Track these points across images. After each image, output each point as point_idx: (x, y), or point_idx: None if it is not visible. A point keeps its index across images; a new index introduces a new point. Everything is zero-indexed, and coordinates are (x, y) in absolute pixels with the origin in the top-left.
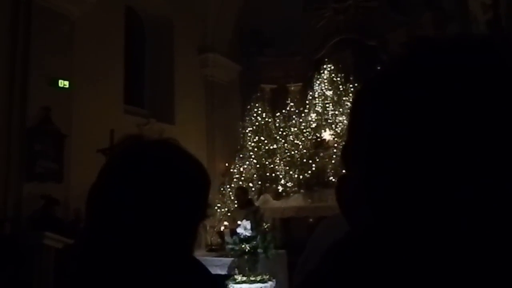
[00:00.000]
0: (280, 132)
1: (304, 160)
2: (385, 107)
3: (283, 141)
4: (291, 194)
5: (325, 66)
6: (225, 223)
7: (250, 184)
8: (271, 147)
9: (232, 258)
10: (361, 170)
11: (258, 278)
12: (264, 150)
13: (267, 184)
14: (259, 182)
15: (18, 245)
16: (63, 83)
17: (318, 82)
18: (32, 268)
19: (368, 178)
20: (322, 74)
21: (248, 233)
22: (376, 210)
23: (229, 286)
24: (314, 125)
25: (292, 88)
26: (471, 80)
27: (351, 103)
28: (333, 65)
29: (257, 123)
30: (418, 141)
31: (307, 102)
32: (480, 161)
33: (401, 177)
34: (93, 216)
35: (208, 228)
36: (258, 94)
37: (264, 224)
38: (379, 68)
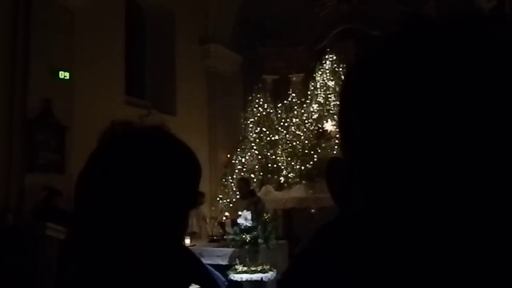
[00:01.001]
0: (282, 123)
1: (306, 151)
2: (377, 90)
3: (284, 132)
4: (293, 185)
5: (327, 57)
6: (226, 213)
7: (252, 175)
8: (273, 138)
9: (233, 249)
10: (353, 154)
11: (259, 268)
12: (266, 141)
13: (269, 175)
14: (261, 173)
15: (21, 236)
16: (64, 75)
17: (320, 72)
18: (35, 259)
19: (360, 162)
20: (324, 65)
21: (248, 224)
22: (368, 194)
23: (230, 276)
24: (316, 116)
25: (294, 78)
26: (464, 60)
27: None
28: (335, 56)
29: (258, 114)
30: (411, 126)
31: (309, 92)
32: (477, 147)
33: (395, 162)
34: (80, 204)
35: (209, 218)
36: (260, 85)
37: (265, 215)
38: (368, 48)
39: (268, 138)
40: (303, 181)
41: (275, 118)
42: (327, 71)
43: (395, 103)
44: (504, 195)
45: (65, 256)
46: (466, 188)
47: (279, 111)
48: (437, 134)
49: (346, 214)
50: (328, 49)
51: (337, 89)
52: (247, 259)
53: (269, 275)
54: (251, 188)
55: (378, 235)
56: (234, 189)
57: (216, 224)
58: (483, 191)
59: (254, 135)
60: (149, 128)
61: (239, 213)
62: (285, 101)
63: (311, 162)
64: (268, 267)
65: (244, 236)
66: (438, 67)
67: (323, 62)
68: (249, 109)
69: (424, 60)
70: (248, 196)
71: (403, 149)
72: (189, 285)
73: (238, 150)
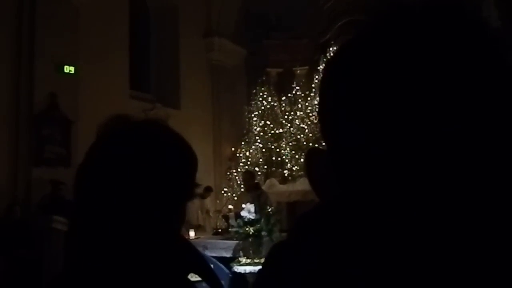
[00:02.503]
0: (286, 116)
1: (310, 144)
2: (348, 82)
3: (289, 125)
4: (297, 178)
5: (331, 49)
6: (230, 206)
7: (256, 169)
8: (277, 131)
9: (237, 241)
10: (329, 145)
11: (262, 260)
12: (270, 134)
13: (273, 168)
14: (265, 167)
15: (28, 229)
16: (69, 69)
17: (324, 65)
18: (42, 251)
19: (335, 153)
20: (329, 57)
21: (252, 216)
22: (343, 183)
23: (234, 268)
24: None
25: (298, 71)
26: (436, 53)
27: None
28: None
29: (263, 107)
30: (382, 117)
31: (313, 85)
32: (445, 139)
33: (367, 153)
34: (79, 196)
35: (213, 212)
36: (264, 78)
37: (268, 208)
38: (347, 40)
39: (273, 131)
40: None
41: (279, 111)
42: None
43: (365, 95)
44: (470, 182)
45: (66, 248)
46: (432, 179)
47: (283, 104)
48: (407, 126)
49: (325, 203)
50: (332, 42)
51: None
52: (251, 251)
53: None
54: (256, 181)
55: (353, 222)
56: (239, 182)
57: (220, 217)
58: (445, 178)
59: (259, 129)
60: (146, 121)
61: (243, 206)
62: (289, 94)
63: None
64: None
65: (247, 229)
66: (408, 61)
67: (328, 54)
68: (253, 103)
69: (395, 52)
70: (253, 189)
71: (375, 140)
72: (187, 274)
73: (243, 143)
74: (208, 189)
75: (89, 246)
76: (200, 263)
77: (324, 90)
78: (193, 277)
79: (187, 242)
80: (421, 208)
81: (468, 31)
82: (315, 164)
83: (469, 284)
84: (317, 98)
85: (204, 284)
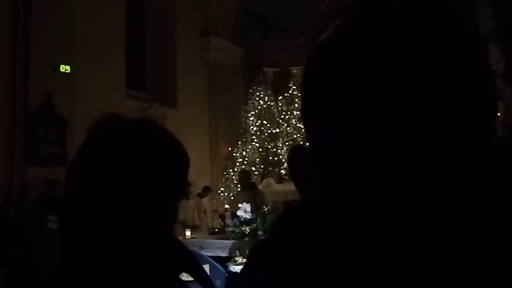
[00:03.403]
0: (282, 116)
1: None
2: (332, 79)
3: (285, 124)
4: None
5: None
6: (226, 206)
7: (253, 168)
8: (274, 131)
9: (233, 241)
10: (311, 142)
11: None
12: (266, 134)
13: (270, 168)
14: (262, 166)
15: (23, 228)
16: (65, 68)
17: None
18: (37, 251)
19: (315, 151)
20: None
21: (248, 216)
22: (323, 181)
23: (230, 267)
24: None
25: (295, 71)
26: (415, 44)
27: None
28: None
29: (259, 107)
30: (363, 115)
31: None
32: (427, 138)
33: (347, 150)
34: (69, 195)
35: (210, 211)
36: (261, 78)
37: (265, 207)
38: (327, 36)
39: (269, 131)
40: None
41: (276, 111)
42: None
43: (344, 91)
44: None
45: (59, 246)
46: (409, 177)
47: (280, 104)
48: (386, 122)
49: (306, 200)
50: None
51: None
52: (247, 251)
53: None
54: (252, 180)
55: (332, 220)
56: (235, 181)
57: (216, 216)
58: (425, 176)
59: (255, 128)
60: (137, 120)
61: (239, 205)
62: (286, 94)
63: None
64: None
65: (243, 228)
66: (385, 58)
67: None
68: (250, 102)
69: (372, 49)
70: (249, 189)
71: (355, 137)
72: (178, 273)
73: (239, 143)
74: (207, 189)
75: (79, 245)
76: (192, 263)
77: (304, 88)
78: (186, 277)
79: (179, 241)
80: (399, 205)
81: (446, 28)
82: (297, 161)
83: (449, 279)
84: None
85: (197, 284)
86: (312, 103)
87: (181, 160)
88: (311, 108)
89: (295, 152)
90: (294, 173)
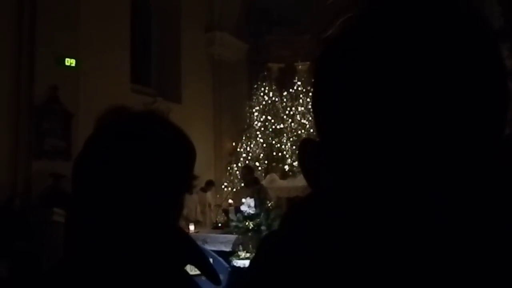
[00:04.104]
0: (287, 112)
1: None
2: (340, 74)
3: (290, 120)
4: (298, 174)
5: None
6: (230, 201)
7: (257, 164)
8: (278, 127)
9: (237, 235)
10: (321, 136)
11: None
12: (271, 129)
13: (274, 164)
14: (266, 162)
15: (28, 221)
16: (70, 62)
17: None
18: (42, 243)
19: (327, 143)
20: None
21: (251, 211)
22: (335, 174)
23: (233, 262)
24: None
25: (300, 67)
26: (429, 38)
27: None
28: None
29: (264, 103)
30: (373, 108)
31: None
32: (441, 130)
33: (359, 144)
34: (76, 188)
35: (213, 206)
36: (265, 73)
37: (268, 202)
38: (336, 33)
39: (273, 127)
40: None
41: (281, 107)
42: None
43: (357, 87)
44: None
45: (65, 239)
46: (426, 171)
47: (285, 100)
48: (401, 117)
49: (316, 193)
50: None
51: None
52: (250, 245)
53: None
54: (255, 176)
55: (343, 211)
56: (239, 177)
57: (220, 211)
58: (437, 173)
59: (259, 124)
60: (145, 113)
61: (243, 200)
62: (291, 90)
63: None
64: None
65: (247, 223)
66: (400, 51)
67: None
68: (255, 98)
69: (387, 43)
70: (252, 184)
71: (367, 130)
72: (183, 266)
73: (243, 138)
74: (210, 183)
75: (85, 237)
76: (198, 255)
77: (317, 80)
78: (193, 271)
79: (186, 234)
80: (412, 198)
81: (459, 22)
82: (307, 154)
83: (460, 275)
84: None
85: (203, 277)
86: (324, 94)
87: (188, 153)
88: (323, 98)
89: (305, 144)
90: (304, 166)
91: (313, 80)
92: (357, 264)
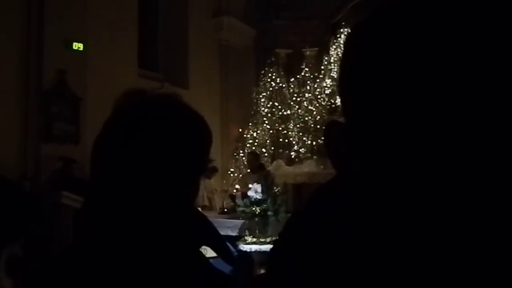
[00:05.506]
0: (294, 98)
1: (318, 127)
2: (367, 57)
3: (297, 107)
4: (304, 160)
5: (342, 30)
6: (237, 186)
7: (263, 150)
8: (285, 113)
9: (243, 220)
10: (348, 118)
11: (268, 239)
12: (277, 115)
13: (280, 150)
14: (272, 148)
15: (38, 203)
16: (78, 46)
17: (334, 47)
18: (51, 226)
19: (354, 125)
20: (339, 39)
21: (258, 196)
22: (362, 155)
23: (240, 246)
24: (328, 91)
25: (308, 53)
26: (455, 26)
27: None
28: (350, 29)
29: (271, 89)
30: (401, 90)
31: (322, 67)
32: (470, 116)
33: (385, 125)
34: (95, 170)
35: (220, 191)
36: (273, 59)
37: (275, 188)
38: (368, 14)
39: (280, 113)
40: (314, 157)
41: (288, 93)
42: (342, 45)
43: (385, 69)
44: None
45: (80, 221)
46: (448, 152)
47: (292, 86)
48: (429, 102)
49: (343, 176)
50: (343, 23)
51: None
52: (257, 230)
53: None
54: (260, 162)
55: (370, 193)
56: (245, 163)
57: (227, 196)
58: (467, 152)
59: (266, 110)
60: (162, 96)
61: (250, 186)
62: (298, 76)
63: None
64: None
65: (254, 209)
66: (421, 36)
67: (338, 36)
68: (262, 83)
69: (408, 28)
70: (257, 170)
71: (394, 112)
72: (199, 247)
73: (250, 124)
74: (214, 170)
75: (102, 218)
76: (213, 236)
77: (345, 64)
78: (210, 253)
79: (202, 215)
80: (438, 183)
81: (485, 11)
82: (334, 136)
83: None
84: (326, 80)
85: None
86: (354, 79)
87: (205, 135)
88: (352, 83)
89: (331, 126)
90: (330, 148)
91: (342, 61)
92: (387, 247)
